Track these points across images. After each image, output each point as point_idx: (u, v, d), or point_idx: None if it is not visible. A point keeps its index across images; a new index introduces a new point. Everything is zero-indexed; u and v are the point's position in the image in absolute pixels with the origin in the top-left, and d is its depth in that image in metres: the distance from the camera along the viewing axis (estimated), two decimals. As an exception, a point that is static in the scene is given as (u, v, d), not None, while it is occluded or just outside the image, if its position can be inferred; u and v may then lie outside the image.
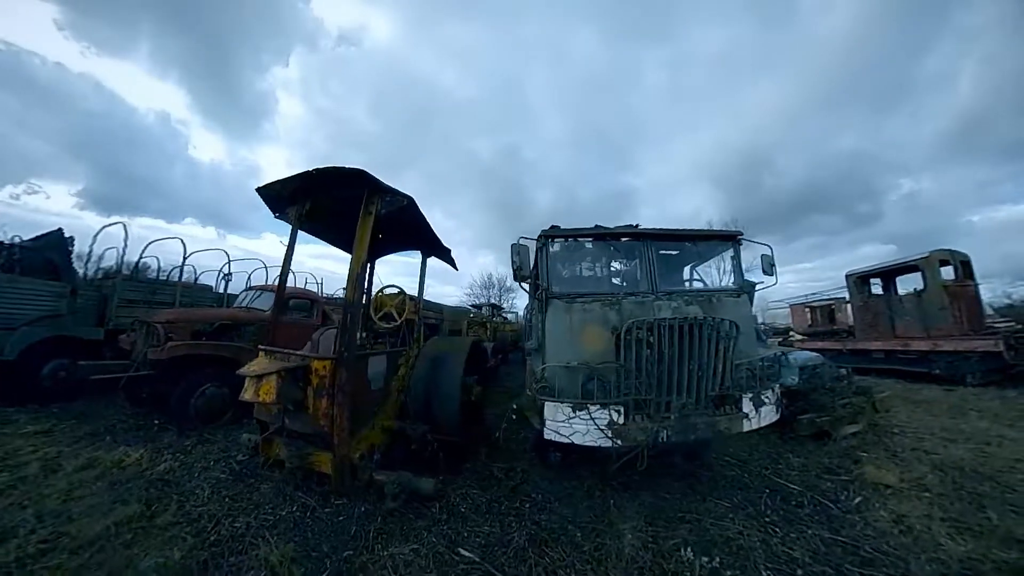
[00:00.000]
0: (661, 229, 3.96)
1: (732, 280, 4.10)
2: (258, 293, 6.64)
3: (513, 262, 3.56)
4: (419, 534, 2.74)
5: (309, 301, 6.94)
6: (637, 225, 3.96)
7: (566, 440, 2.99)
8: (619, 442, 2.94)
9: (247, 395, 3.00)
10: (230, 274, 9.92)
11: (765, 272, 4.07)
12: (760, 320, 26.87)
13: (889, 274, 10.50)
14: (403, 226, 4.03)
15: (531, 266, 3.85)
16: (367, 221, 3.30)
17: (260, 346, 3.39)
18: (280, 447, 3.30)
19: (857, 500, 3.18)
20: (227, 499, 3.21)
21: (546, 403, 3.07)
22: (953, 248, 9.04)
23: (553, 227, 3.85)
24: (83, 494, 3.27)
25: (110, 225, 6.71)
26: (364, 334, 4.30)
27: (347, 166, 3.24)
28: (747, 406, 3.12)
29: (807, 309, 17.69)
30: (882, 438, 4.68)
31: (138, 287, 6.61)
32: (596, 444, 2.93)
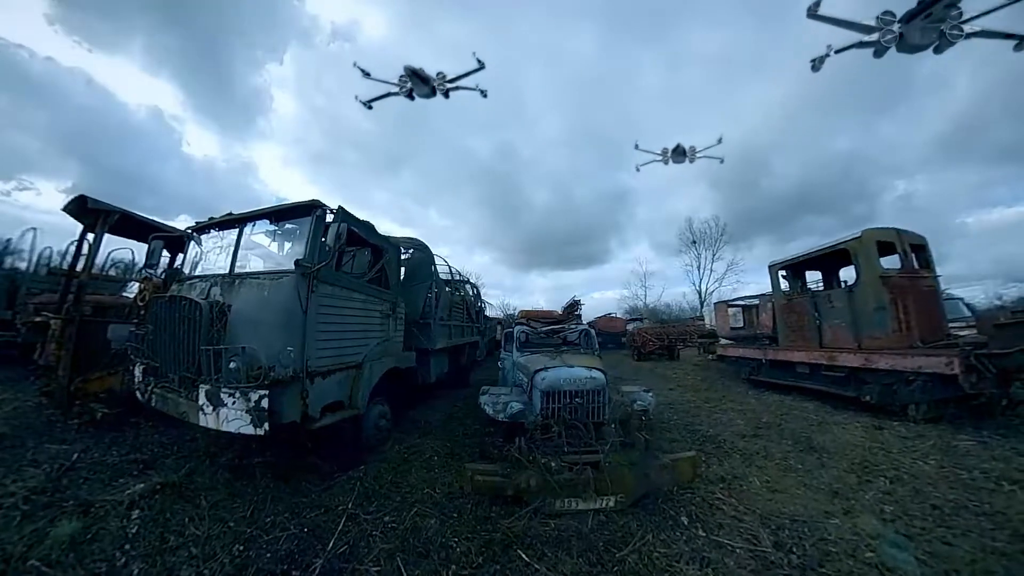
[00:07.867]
0: (240, 213, 4.15)
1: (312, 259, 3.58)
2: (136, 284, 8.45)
3: (147, 255, 4.68)
4: (77, 444, 4.11)
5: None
6: (230, 212, 4.30)
7: None
8: (141, 397, 3.67)
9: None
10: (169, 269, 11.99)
11: (327, 245, 3.63)
12: (708, 321, 22.41)
13: (821, 264, 8.18)
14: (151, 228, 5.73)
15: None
16: (103, 228, 4.95)
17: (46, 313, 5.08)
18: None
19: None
20: (17, 413, 4.92)
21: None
22: (903, 228, 6.45)
23: (198, 223, 4.41)
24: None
25: (28, 231, 8.63)
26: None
27: (82, 195, 4.89)
28: (202, 398, 3.01)
29: (730, 309, 15.40)
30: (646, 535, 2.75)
31: (45, 278, 8.46)
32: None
